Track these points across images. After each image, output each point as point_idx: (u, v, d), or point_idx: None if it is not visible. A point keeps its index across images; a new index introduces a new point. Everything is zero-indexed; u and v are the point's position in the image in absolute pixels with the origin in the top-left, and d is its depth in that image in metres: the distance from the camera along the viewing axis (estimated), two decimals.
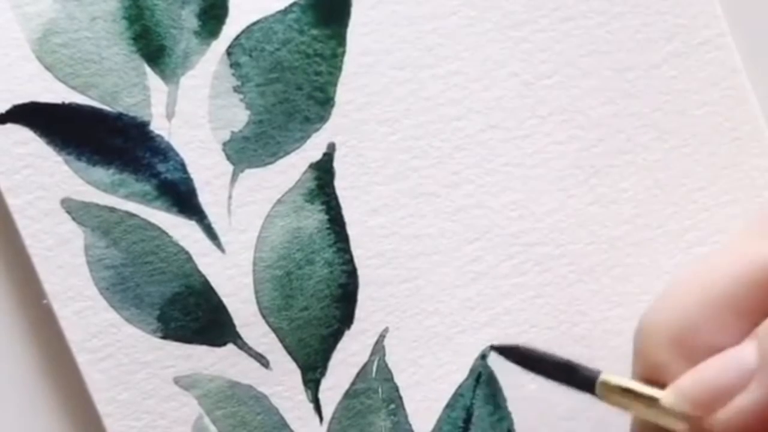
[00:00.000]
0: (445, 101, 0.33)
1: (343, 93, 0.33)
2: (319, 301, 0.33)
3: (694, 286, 0.26)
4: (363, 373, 0.33)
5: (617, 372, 0.28)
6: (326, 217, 0.33)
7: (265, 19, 0.32)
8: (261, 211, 0.32)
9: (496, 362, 0.33)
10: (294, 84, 0.32)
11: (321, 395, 0.33)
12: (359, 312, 0.33)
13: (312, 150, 0.33)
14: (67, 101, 0.31)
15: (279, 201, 0.32)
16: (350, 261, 0.33)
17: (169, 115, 0.32)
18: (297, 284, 0.33)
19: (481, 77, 0.33)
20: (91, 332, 0.31)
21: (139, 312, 0.32)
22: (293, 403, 0.33)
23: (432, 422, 0.33)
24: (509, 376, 0.33)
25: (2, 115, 0.31)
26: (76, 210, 0.31)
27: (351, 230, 0.33)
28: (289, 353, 0.33)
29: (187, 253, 0.32)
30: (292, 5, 0.32)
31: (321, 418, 0.33)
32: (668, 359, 0.26)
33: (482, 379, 0.33)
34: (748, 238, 0.27)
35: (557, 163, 0.34)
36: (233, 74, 0.32)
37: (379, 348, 0.33)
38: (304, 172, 0.33)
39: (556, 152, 0.34)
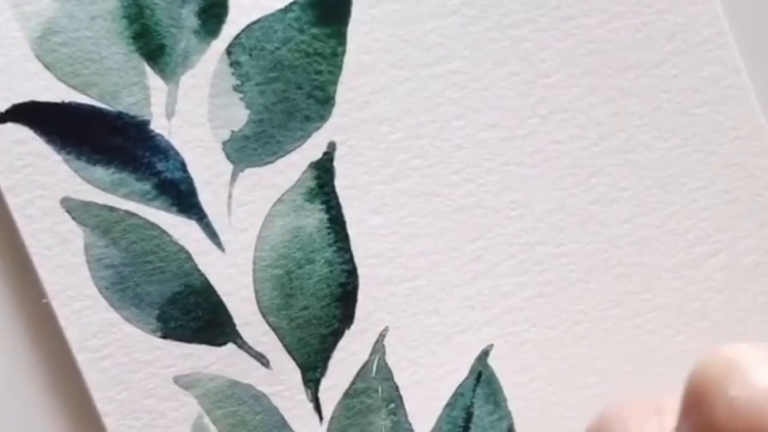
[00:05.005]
0: (444, 101, 0.33)
1: (343, 92, 0.33)
2: (319, 301, 0.33)
3: None
4: (363, 372, 0.33)
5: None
6: (326, 216, 0.33)
7: (265, 18, 0.32)
8: (261, 210, 0.32)
9: (496, 362, 0.33)
10: (294, 83, 0.32)
11: (321, 395, 0.33)
12: (359, 311, 0.33)
13: (312, 149, 0.33)
14: (66, 100, 0.31)
15: (279, 200, 0.32)
16: (350, 260, 0.33)
17: (169, 114, 0.32)
18: (297, 283, 0.33)
19: (481, 76, 0.33)
20: (91, 332, 0.31)
21: (139, 311, 0.32)
22: (293, 402, 0.33)
23: (432, 422, 0.33)
24: (509, 375, 0.33)
25: (2, 114, 0.31)
26: (75, 209, 0.31)
27: (351, 230, 0.33)
28: (289, 353, 0.33)
29: (186, 252, 0.32)
30: (292, 4, 0.32)
31: (321, 418, 0.33)
32: None
33: (482, 379, 0.33)
34: None
35: (557, 163, 0.34)
36: (233, 73, 0.32)
37: (379, 347, 0.33)
38: (305, 172, 0.33)
39: (556, 152, 0.34)
